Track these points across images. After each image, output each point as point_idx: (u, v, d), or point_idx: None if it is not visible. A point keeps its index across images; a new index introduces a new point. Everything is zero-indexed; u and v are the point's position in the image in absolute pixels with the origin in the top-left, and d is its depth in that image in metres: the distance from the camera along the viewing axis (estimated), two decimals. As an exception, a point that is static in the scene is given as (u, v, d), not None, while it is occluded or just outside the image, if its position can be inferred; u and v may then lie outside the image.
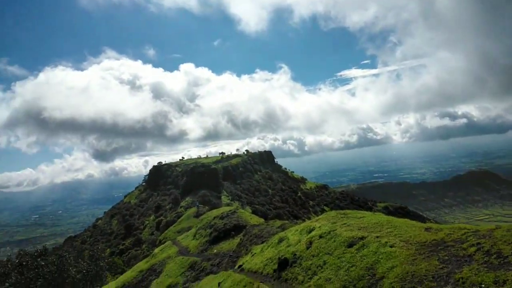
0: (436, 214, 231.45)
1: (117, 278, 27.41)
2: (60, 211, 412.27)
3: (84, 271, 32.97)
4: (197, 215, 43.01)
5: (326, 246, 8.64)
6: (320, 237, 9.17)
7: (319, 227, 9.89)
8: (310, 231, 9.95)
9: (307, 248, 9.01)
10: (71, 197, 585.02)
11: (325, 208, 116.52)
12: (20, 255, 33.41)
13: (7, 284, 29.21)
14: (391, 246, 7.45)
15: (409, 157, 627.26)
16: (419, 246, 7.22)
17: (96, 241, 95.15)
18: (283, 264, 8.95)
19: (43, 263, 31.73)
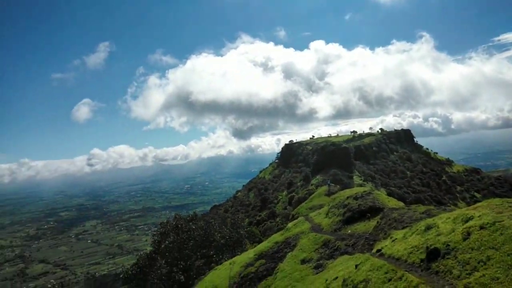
0: None
1: (255, 246, 29.75)
2: (207, 182, 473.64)
3: (227, 237, 37.01)
4: (329, 194, 42.77)
5: (490, 239, 7.22)
6: (481, 228, 7.73)
7: (479, 216, 8.35)
8: (467, 220, 8.51)
9: (464, 239, 7.73)
10: (215, 171, 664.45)
11: (476, 195, 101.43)
12: (176, 218, 39.54)
13: (166, 242, 35.10)
14: None
15: None
16: None
17: (237, 211, 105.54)
18: (433, 254, 7.91)
19: (194, 227, 36.89)
